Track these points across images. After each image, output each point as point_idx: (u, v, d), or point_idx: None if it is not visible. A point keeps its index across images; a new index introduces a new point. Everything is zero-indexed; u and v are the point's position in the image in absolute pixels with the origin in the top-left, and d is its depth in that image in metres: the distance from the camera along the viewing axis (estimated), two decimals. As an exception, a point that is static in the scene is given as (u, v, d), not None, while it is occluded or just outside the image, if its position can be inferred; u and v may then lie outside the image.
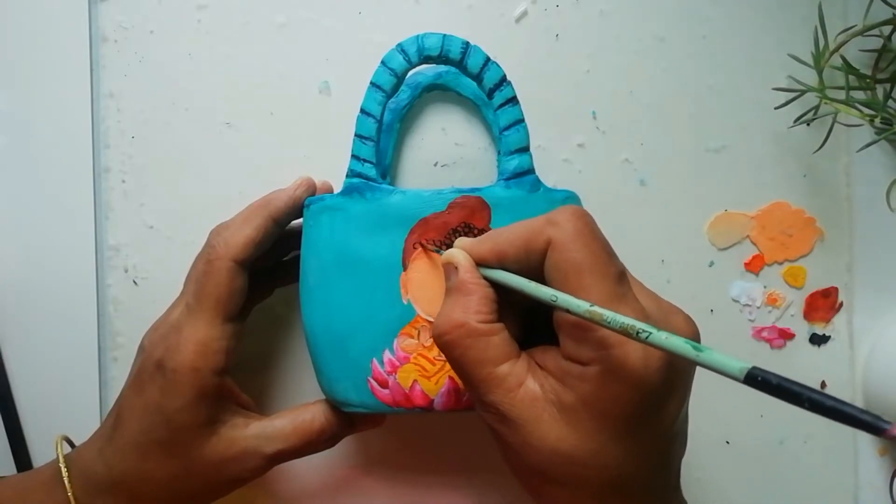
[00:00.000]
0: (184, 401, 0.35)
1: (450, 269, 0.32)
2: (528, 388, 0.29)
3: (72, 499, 0.35)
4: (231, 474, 0.37)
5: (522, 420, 0.28)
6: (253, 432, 0.37)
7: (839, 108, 0.41)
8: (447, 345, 0.30)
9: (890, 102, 0.43)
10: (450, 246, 0.36)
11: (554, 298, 0.28)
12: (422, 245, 0.37)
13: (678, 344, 0.24)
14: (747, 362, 0.22)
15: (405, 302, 0.37)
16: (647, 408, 0.28)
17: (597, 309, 0.26)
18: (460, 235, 0.37)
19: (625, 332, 0.26)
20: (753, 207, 0.44)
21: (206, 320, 0.36)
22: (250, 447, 0.37)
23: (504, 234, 0.31)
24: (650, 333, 0.25)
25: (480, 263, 0.32)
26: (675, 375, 0.29)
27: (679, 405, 0.30)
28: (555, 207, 0.37)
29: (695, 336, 0.30)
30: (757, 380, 0.22)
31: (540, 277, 0.30)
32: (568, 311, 0.28)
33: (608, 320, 0.26)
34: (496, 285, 0.31)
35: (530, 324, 0.33)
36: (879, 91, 0.43)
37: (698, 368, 0.29)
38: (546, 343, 0.31)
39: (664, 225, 0.44)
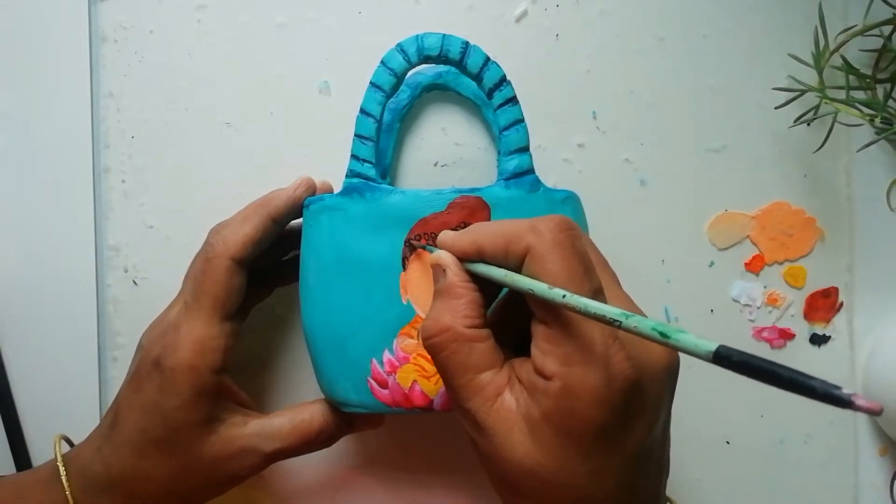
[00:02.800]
0: (182, 399, 0.35)
1: (438, 270, 0.32)
2: (504, 399, 0.29)
3: (70, 498, 0.35)
4: (229, 472, 0.37)
5: (495, 431, 0.28)
6: (251, 430, 0.37)
7: (839, 108, 0.41)
8: (433, 347, 0.30)
9: (890, 102, 0.43)
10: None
11: (531, 291, 0.28)
12: (412, 243, 0.37)
13: (646, 329, 0.24)
14: (714, 342, 0.22)
15: (405, 302, 0.37)
16: (610, 427, 0.27)
17: (571, 298, 0.26)
18: (460, 235, 0.37)
19: (599, 319, 0.25)
20: (753, 207, 0.44)
21: (203, 319, 0.36)
22: (248, 445, 0.37)
23: (486, 230, 0.31)
24: (620, 322, 0.25)
25: (461, 258, 0.32)
26: (642, 397, 0.28)
27: (647, 427, 0.29)
28: (555, 207, 0.38)
29: (671, 363, 0.29)
30: (722, 359, 0.22)
31: None
32: (544, 300, 0.27)
33: (582, 308, 0.26)
34: (484, 285, 0.31)
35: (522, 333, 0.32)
36: (879, 91, 0.43)
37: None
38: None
39: (664, 225, 0.44)
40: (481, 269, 0.31)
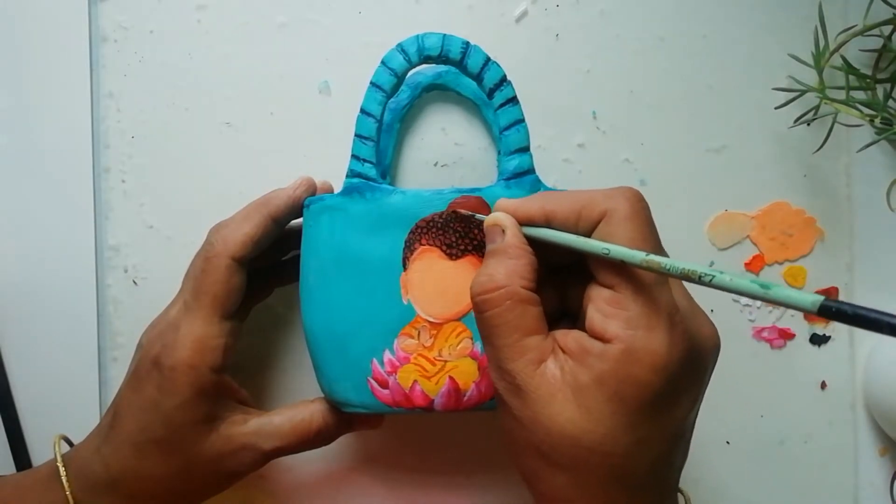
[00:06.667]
0: (181, 398, 0.35)
1: (496, 230, 0.32)
2: (548, 366, 0.29)
3: (70, 498, 0.35)
4: (228, 469, 0.37)
5: (538, 395, 0.28)
6: (251, 429, 0.37)
7: (839, 108, 0.41)
8: (485, 303, 0.30)
9: (890, 102, 0.43)
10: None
11: (606, 251, 0.28)
12: (455, 212, 0.36)
13: (745, 284, 0.24)
14: (818, 296, 0.22)
15: (405, 302, 0.37)
16: (663, 396, 0.28)
17: (653, 257, 0.26)
18: (460, 235, 0.37)
19: (686, 276, 0.25)
20: (753, 207, 0.44)
21: (203, 318, 0.36)
22: (248, 443, 0.37)
23: (556, 197, 0.31)
24: (713, 276, 0.25)
25: (525, 222, 0.32)
26: (694, 368, 0.29)
27: (692, 402, 0.29)
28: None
29: (717, 343, 0.30)
30: (831, 311, 0.22)
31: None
32: (622, 261, 0.28)
33: (666, 267, 0.26)
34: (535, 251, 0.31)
35: (557, 307, 0.33)
36: (879, 91, 0.43)
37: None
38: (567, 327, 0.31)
39: (664, 225, 0.43)
40: (547, 233, 0.31)
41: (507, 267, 0.30)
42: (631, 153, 0.44)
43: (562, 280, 0.33)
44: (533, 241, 0.32)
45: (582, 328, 0.30)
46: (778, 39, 0.44)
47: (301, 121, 0.44)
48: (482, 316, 0.30)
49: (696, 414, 0.31)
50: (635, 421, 0.28)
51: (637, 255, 0.27)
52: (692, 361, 0.28)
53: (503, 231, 0.32)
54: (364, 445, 0.44)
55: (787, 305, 0.23)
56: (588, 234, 0.30)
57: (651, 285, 0.28)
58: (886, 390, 0.43)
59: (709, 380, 0.30)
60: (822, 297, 0.22)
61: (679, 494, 0.32)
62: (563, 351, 0.29)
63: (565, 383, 0.28)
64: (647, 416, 0.28)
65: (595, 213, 0.30)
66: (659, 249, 0.29)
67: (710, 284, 0.25)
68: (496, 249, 0.31)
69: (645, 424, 0.28)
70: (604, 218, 0.29)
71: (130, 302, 0.44)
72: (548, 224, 0.31)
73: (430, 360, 0.37)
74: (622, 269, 0.29)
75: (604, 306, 0.29)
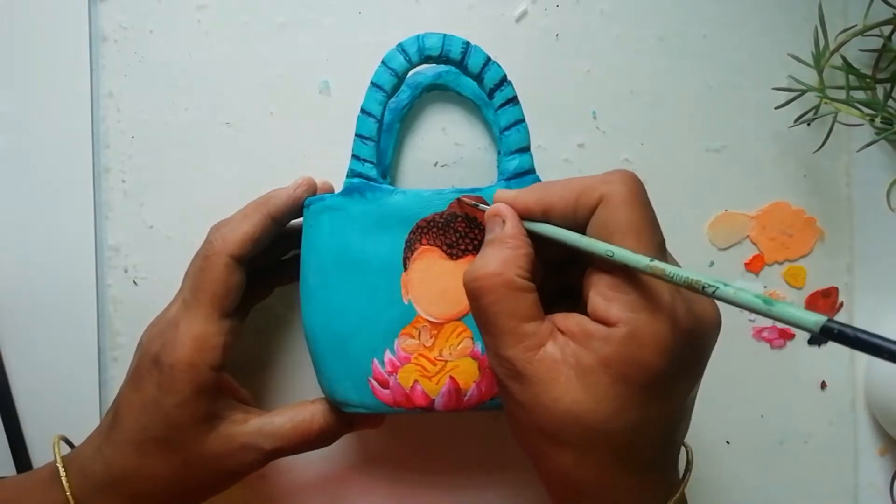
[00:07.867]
0: (181, 397, 0.35)
1: (496, 221, 0.32)
2: (547, 350, 0.29)
3: (70, 498, 0.35)
4: (229, 469, 0.37)
5: (538, 379, 0.29)
6: (252, 428, 0.37)
7: (839, 108, 0.41)
8: (480, 290, 0.30)
9: (890, 102, 0.43)
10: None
11: (610, 253, 0.28)
12: (459, 201, 0.36)
13: (748, 298, 0.24)
14: (821, 316, 0.22)
15: (406, 302, 0.37)
16: (667, 377, 0.28)
17: (657, 263, 0.27)
18: (461, 235, 0.37)
19: (689, 286, 0.26)
20: (753, 207, 0.44)
21: (202, 316, 0.36)
22: (249, 443, 0.37)
23: (552, 188, 0.31)
24: (717, 288, 0.25)
25: (524, 214, 0.32)
26: (696, 348, 0.29)
27: (694, 381, 0.30)
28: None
29: (719, 320, 0.30)
30: (833, 332, 0.22)
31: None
32: (626, 265, 0.28)
33: (670, 275, 0.26)
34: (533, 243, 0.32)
35: (556, 290, 0.33)
36: (879, 91, 0.43)
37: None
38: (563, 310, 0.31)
39: (664, 225, 0.44)
40: (549, 230, 0.31)
41: (504, 256, 0.30)
42: (631, 153, 0.44)
43: (561, 261, 0.33)
44: (533, 235, 0.32)
45: (583, 311, 0.30)
46: (778, 39, 0.44)
47: (301, 121, 0.44)
48: (477, 303, 0.30)
49: (697, 391, 0.31)
50: (640, 401, 0.28)
51: (641, 261, 0.27)
52: (694, 341, 0.29)
53: (503, 221, 0.32)
54: (364, 445, 0.44)
55: (790, 323, 0.23)
56: (586, 220, 0.30)
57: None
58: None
59: (709, 355, 0.31)
60: (824, 318, 0.22)
61: (682, 448, 0.33)
62: (564, 333, 0.29)
63: (567, 365, 0.28)
64: (651, 396, 0.28)
65: (592, 198, 0.30)
66: (656, 231, 0.30)
67: (713, 296, 0.25)
68: (494, 239, 0.32)
69: (649, 404, 0.28)
70: (601, 202, 0.29)
71: (130, 302, 0.44)
72: (546, 215, 0.31)
73: (430, 359, 0.37)
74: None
75: (605, 290, 0.29)
